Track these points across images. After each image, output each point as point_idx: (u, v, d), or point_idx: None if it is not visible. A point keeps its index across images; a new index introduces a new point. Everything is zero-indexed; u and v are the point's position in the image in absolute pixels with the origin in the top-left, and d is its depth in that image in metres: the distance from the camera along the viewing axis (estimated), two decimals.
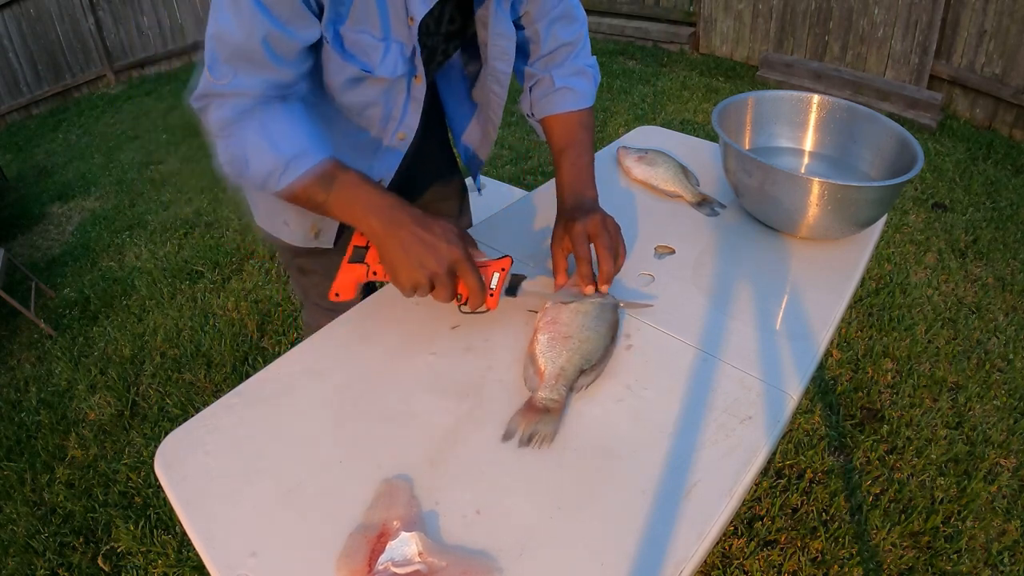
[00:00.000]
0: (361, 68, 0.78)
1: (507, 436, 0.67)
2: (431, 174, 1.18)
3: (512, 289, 0.82)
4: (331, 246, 1.00)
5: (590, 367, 0.73)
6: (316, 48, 0.76)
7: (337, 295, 0.80)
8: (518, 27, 0.94)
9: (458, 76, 1.04)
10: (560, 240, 0.85)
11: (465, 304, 0.77)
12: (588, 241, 0.81)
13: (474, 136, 1.08)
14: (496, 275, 0.79)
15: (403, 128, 0.90)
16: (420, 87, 0.85)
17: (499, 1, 0.82)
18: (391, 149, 0.92)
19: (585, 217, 0.82)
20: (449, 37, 0.88)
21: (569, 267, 0.86)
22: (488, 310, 0.79)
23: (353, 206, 0.74)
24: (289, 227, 0.98)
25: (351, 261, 0.80)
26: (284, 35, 0.69)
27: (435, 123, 1.16)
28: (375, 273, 0.79)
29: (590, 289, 0.81)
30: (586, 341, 0.75)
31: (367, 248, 0.80)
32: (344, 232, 1.03)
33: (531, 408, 0.69)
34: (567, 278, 0.84)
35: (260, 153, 0.71)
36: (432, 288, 0.73)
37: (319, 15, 0.71)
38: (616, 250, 0.82)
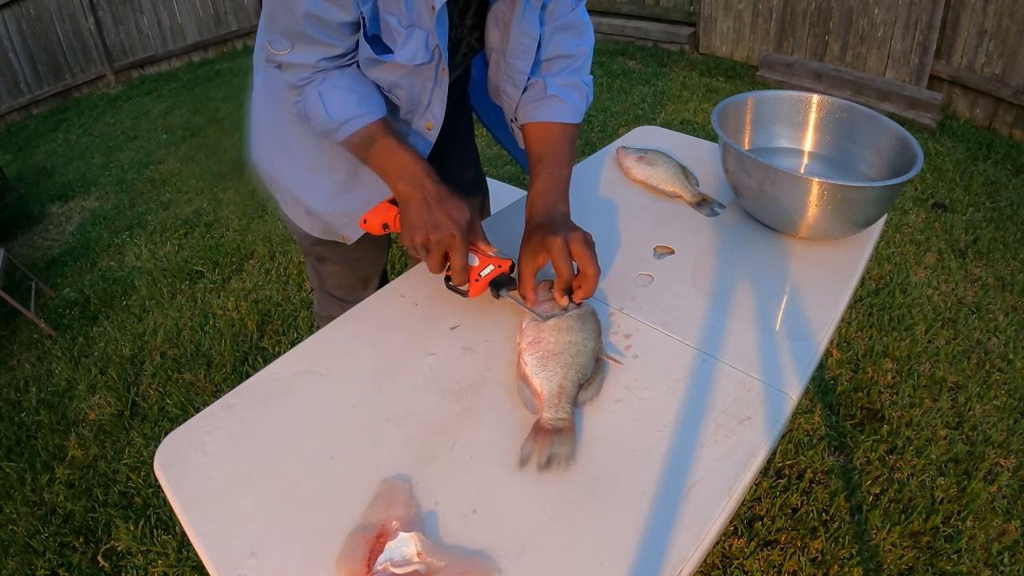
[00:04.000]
0: (374, 52, 0.80)
1: (523, 462, 0.65)
2: (455, 171, 1.18)
3: (497, 286, 0.81)
4: (349, 242, 1.02)
5: (587, 380, 0.72)
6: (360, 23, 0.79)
7: (365, 222, 0.88)
8: None
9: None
10: (532, 256, 0.81)
11: (451, 279, 0.82)
12: (570, 257, 0.79)
13: (510, 136, 1.08)
14: (490, 267, 0.80)
15: (429, 117, 0.90)
16: (445, 79, 0.85)
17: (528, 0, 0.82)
18: (418, 135, 0.93)
19: (567, 232, 0.79)
20: (474, 29, 0.88)
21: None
22: (467, 295, 0.81)
23: (387, 169, 0.83)
24: (311, 217, 1.01)
25: (390, 202, 0.88)
26: (324, 14, 0.74)
27: (463, 123, 1.16)
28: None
29: (564, 301, 0.80)
30: (577, 355, 0.73)
31: None
32: (374, 239, 1.05)
33: (541, 431, 0.67)
34: (536, 296, 0.82)
35: (318, 116, 0.82)
36: (427, 254, 0.80)
37: None
38: (597, 271, 0.80)
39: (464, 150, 1.20)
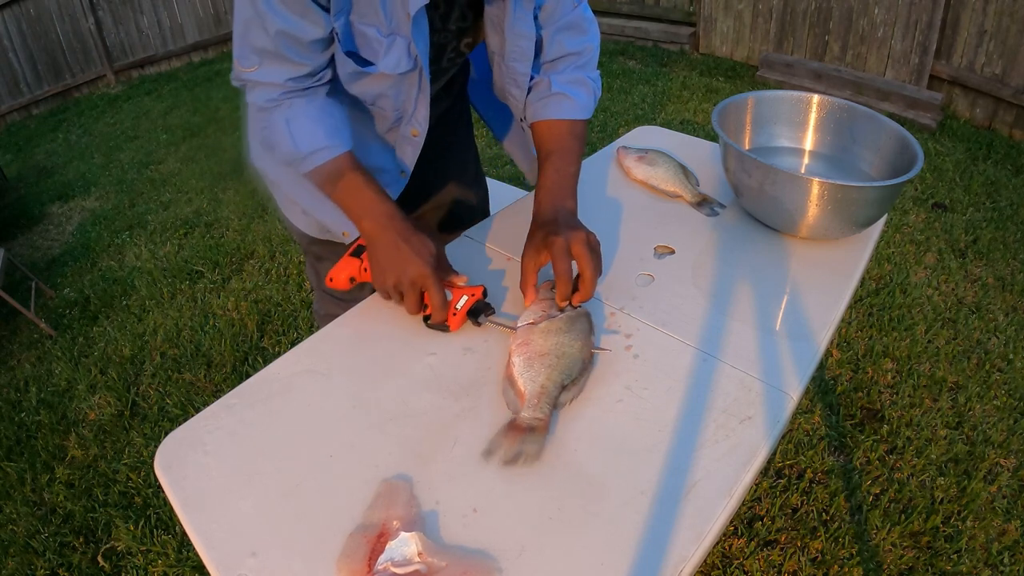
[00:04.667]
0: (357, 65, 0.78)
1: (488, 454, 0.65)
2: (455, 172, 1.18)
3: (476, 314, 0.80)
4: (348, 240, 1.02)
5: (571, 382, 0.72)
6: (332, 40, 0.78)
7: (331, 280, 0.86)
8: None
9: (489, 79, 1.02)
10: (535, 254, 0.81)
11: (430, 318, 0.79)
12: (570, 258, 0.78)
13: (515, 138, 1.08)
14: (464, 298, 0.80)
15: (415, 124, 0.90)
16: (427, 85, 0.85)
17: (518, 1, 0.80)
18: (407, 142, 0.92)
19: (569, 232, 0.79)
20: (460, 34, 0.87)
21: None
22: (449, 329, 0.80)
23: (352, 206, 0.81)
24: (307, 217, 1.01)
25: (351, 255, 0.86)
26: (295, 30, 0.73)
27: (462, 123, 1.15)
28: (366, 270, 0.83)
29: (563, 304, 0.79)
30: (563, 357, 0.73)
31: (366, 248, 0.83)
32: None
33: (515, 428, 0.67)
34: (536, 295, 0.81)
35: (283, 144, 0.80)
36: (402, 297, 0.79)
37: (327, 9, 0.73)
38: (598, 272, 0.80)
39: (463, 150, 1.20)
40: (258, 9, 0.71)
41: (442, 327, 0.80)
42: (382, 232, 0.79)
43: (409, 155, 0.95)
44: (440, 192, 1.18)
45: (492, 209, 1.37)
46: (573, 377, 0.72)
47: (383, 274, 0.79)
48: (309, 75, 0.79)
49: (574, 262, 0.79)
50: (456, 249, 0.99)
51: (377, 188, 0.81)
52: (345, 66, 0.80)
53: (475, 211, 1.24)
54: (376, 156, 0.96)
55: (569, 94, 0.90)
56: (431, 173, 1.13)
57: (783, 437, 1.56)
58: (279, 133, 0.80)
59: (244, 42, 0.76)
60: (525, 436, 0.66)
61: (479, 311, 0.81)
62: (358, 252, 0.86)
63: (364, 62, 0.79)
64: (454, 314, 0.79)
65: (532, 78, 0.92)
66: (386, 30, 0.76)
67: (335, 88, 0.87)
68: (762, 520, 1.46)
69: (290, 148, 0.79)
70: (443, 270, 0.80)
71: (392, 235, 0.78)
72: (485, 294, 0.82)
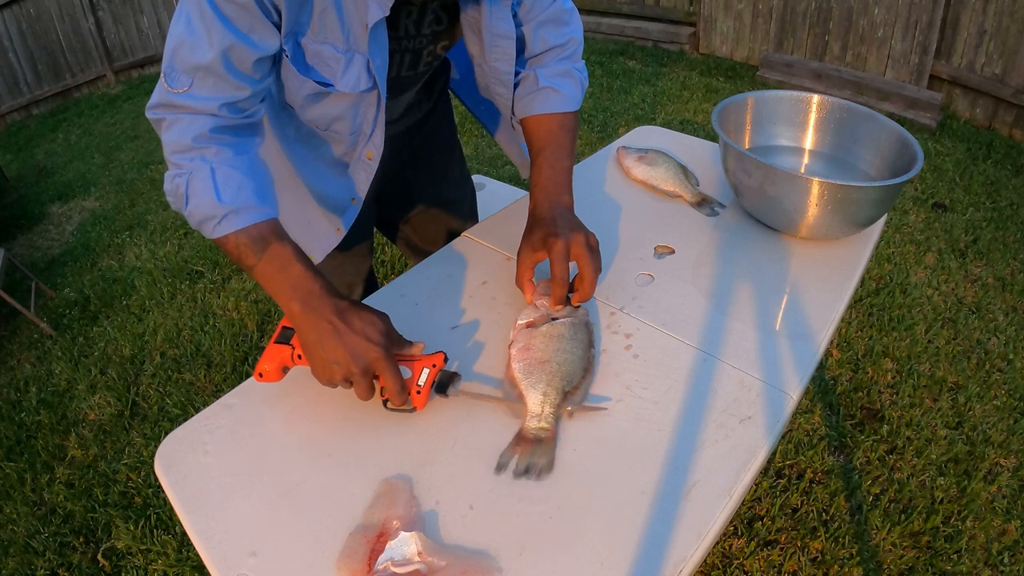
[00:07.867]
0: (318, 82, 0.75)
1: (499, 468, 0.65)
2: (439, 175, 1.17)
3: (443, 387, 0.71)
4: (315, 261, 1.00)
5: (572, 388, 0.71)
6: (274, 65, 0.75)
7: (261, 375, 0.73)
8: None
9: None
10: (531, 251, 0.80)
11: (389, 402, 0.70)
12: (568, 261, 0.77)
13: (505, 132, 1.07)
14: (426, 371, 0.70)
15: (371, 147, 0.87)
16: (384, 103, 0.82)
17: (495, 2, 0.78)
18: (361, 166, 0.90)
19: (568, 233, 0.78)
20: (436, 37, 0.85)
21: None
22: (415, 409, 0.71)
23: (279, 283, 0.69)
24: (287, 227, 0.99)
25: (277, 342, 0.73)
26: (244, 46, 0.67)
27: (444, 123, 1.14)
28: (299, 357, 0.72)
29: (559, 308, 0.79)
30: (564, 363, 0.72)
31: (295, 331, 0.72)
32: (353, 246, 1.03)
33: (523, 439, 0.67)
34: (534, 289, 0.81)
35: (202, 196, 0.68)
36: (350, 384, 0.68)
37: (279, 26, 0.70)
38: (598, 273, 0.79)
39: (447, 151, 1.18)
40: (205, 17, 0.65)
41: (407, 409, 0.71)
42: (316, 318, 0.67)
43: (363, 180, 0.92)
44: (425, 196, 1.17)
45: (492, 209, 1.36)
46: (575, 383, 0.72)
47: (329, 369, 0.66)
48: (243, 104, 0.71)
49: (573, 263, 0.79)
50: (455, 249, 0.99)
51: (307, 263, 0.70)
52: (302, 88, 0.76)
53: (463, 213, 1.23)
54: (327, 183, 0.94)
55: (556, 87, 0.89)
56: (414, 177, 1.12)
57: (783, 437, 1.56)
58: (201, 181, 0.68)
59: (176, 58, 0.67)
60: (534, 448, 0.66)
61: (445, 383, 0.71)
62: (286, 337, 0.73)
63: (323, 82, 0.76)
64: (418, 392, 0.69)
65: (518, 74, 0.90)
66: (343, 47, 0.73)
67: (284, 124, 0.84)
68: (762, 520, 1.46)
69: (210, 200, 0.67)
70: (395, 343, 0.69)
71: (331, 319, 0.67)
72: (446, 360, 0.73)
